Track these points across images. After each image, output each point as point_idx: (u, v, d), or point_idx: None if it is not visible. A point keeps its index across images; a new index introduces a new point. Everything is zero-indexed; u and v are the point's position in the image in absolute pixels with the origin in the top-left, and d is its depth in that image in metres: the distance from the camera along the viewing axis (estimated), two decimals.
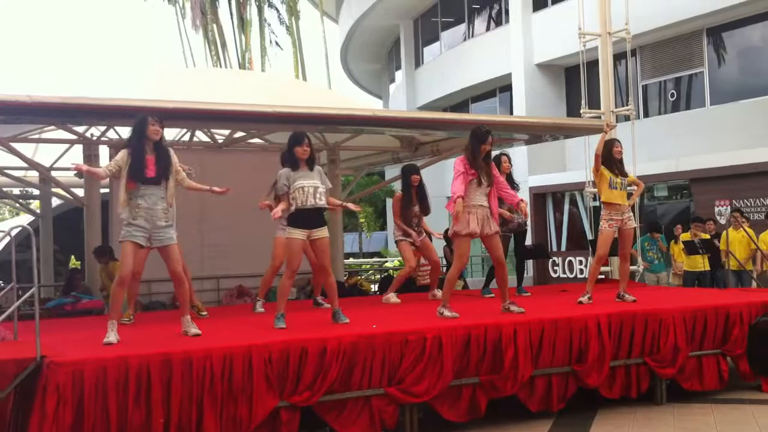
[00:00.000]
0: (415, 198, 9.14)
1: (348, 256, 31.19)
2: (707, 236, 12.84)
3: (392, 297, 9.19)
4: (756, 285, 10.97)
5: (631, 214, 8.52)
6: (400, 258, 18.68)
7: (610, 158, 8.40)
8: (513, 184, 9.12)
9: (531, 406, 6.83)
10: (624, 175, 8.44)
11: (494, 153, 9.45)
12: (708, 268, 12.73)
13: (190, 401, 5.48)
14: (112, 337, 6.03)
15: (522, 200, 7.89)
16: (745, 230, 11.94)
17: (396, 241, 9.39)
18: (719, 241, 12.55)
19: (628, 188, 8.50)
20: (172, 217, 6.54)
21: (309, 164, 7.02)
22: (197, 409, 5.49)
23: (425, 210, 9.27)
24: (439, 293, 9.06)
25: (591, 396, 7.18)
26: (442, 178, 23.13)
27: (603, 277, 12.44)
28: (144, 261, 7.35)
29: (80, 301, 10.67)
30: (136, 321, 7.81)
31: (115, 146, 11.62)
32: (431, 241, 9.53)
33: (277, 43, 35.38)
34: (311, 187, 6.93)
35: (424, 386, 6.30)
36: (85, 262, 12.53)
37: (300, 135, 7.05)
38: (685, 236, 13.18)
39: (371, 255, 35.67)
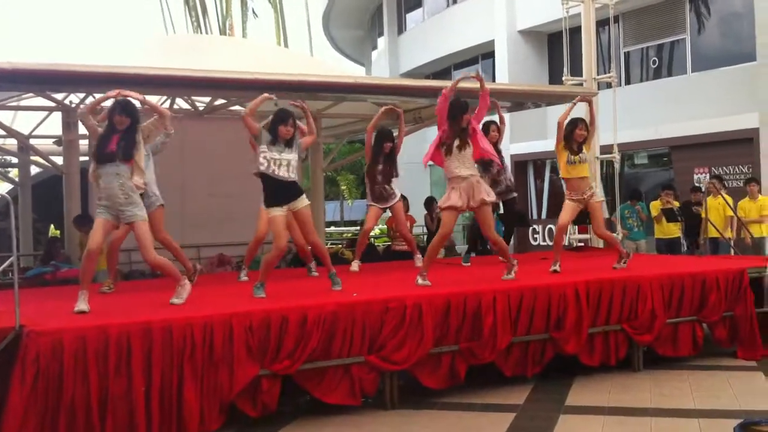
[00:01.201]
0: (380, 158, 9.08)
1: (329, 224, 31.18)
2: (677, 204, 12.94)
3: (354, 265, 9.14)
4: (733, 252, 11.07)
5: (594, 189, 8.49)
6: (381, 226, 18.72)
7: (570, 137, 8.34)
8: (500, 153, 9.13)
9: (506, 371, 6.90)
10: (581, 151, 8.36)
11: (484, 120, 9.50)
12: (680, 235, 12.88)
13: (171, 370, 5.49)
14: (83, 305, 6.03)
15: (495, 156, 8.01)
16: (723, 197, 12.03)
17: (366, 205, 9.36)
18: (702, 209, 12.61)
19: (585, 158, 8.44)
20: (137, 194, 6.55)
21: (288, 143, 6.99)
22: (178, 378, 5.51)
23: (391, 172, 9.13)
24: (420, 260, 9.10)
25: (569, 363, 7.25)
26: (423, 146, 23.09)
27: (582, 245, 12.54)
28: (125, 234, 7.36)
29: (60, 270, 10.62)
30: (116, 290, 7.80)
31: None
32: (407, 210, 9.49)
33: (254, 11, 34.96)
34: (284, 160, 6.91)
35: (404, 354, 6.35)
36: (65, 230, 12.47)
37: (286, 113, 7.00)
38: (656, 204, 13.26)
39: (353, 223, 35.64)
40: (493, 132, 9.21)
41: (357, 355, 6.23)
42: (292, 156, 6.98)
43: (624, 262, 8.20)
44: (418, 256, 9.23)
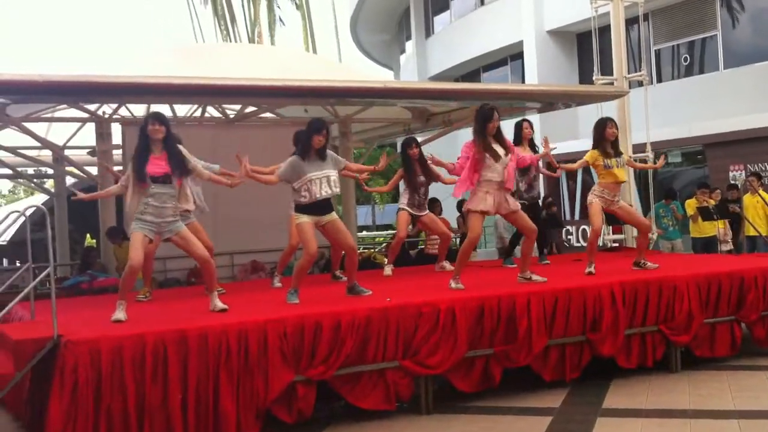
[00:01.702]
0: (418, 168, 9.07)
1: (361, 229, 31.21)
2: (713, 202, 12.78)
3: (387, 269, 9.15)
4: None
5: (620, 197, 8.39)
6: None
7: (601, 140, 8.19)
8: (534, 149, 9.12)
9: (545, 375, 6.85)
10: (618, 154, 8.22)
11: (516, 120, 9.49)
12: (716, 233, 12.73)
13: (207, 377, 5.52)
14: (120, 314, 6.07)
15: (535, 159, 8.29)
16: (760, 195, 11.86)
17: (398, 209, 9.30)
18: (741, 208, 12.43)
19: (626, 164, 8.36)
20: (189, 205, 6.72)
21: (320, 153, 6.94)
22: (214, 385, 5.54)
23: (431, 178, 9.10)
24: (447, 265, 9.08)
25: (606, 365, 7.19)
26: (455, 149, 23.04)
27: (617, 245, 12.43)
28: (157, 246, 7.40)
29: (96, 279, 10.74)
30: (152, 298, 7.87)
31: (127, 124, 11.65)
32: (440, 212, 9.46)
33: (280, 19, 35.07)
34: (323, 177, 6.88)
35: (439, 358, 6.33)
36: (101, 240, 12.60)
37: (321, 123, 6.99)
38: (691, 203, 13.09)
39: (384, 228, 35.66)
40: (526, 129, 9.18)
41: (391, 359, 6.22)
42: (330, 171, 6.94)
43: (593, 268, 7.98)
44: (442, 264, 9.20)
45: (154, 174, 6.36)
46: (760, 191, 12.11)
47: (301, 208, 6.94)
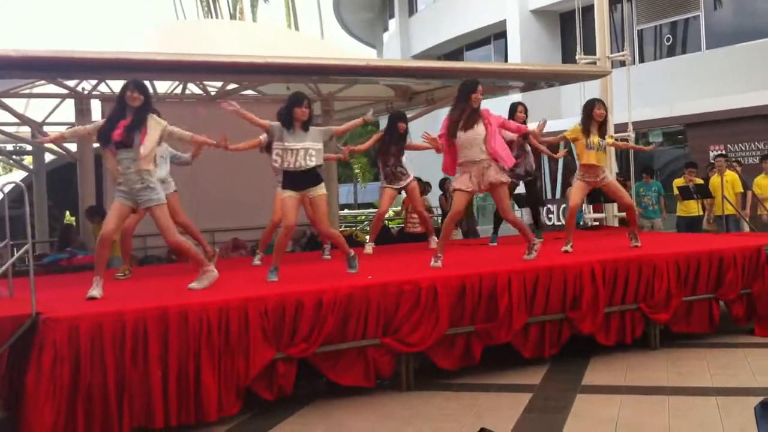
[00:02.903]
0: (394, 139, 9.05)
1: (343, 207, 31.19)
2: (701, 181, 12.83)
3: (368, 247, 9.16)
4: (749, 229, 10.99)
5: (606, 173, 8.34)
6: (395, 208, 18.70)
7: (588, 120, 8.14)
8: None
9: (525, 352, 6.88)
10: (602, 136, 8.17)
11: (511, 102, 9.49)
12: (701, 213, 12.79)
13: (188, 355, 5.49)
14: (95, 291, 6.01)
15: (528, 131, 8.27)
16: (737, 172, 11.93)
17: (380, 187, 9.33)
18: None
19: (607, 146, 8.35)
20: (155, 179, 6.40)
21: (304, 126, 6.94)
22: (195, 363, 5.52)
23: (401, 152, 9.11)
24: (434, 240, 9.10)
25: (585, 343, 7.23)
26: (436, 128, 23.03)
27: (597, 224, 12.49)
28: (138, 220, 7.35)
29: (76, 257, 10.66)
30: (132, 276, 7.83)
31: (106, 100, 11.54)
32: (425, 191, 9.50)
33: None
34: (301, 149, 6.87)
35: (420, 336, 6.34)
36: (80, 217, 12.52)
37: (301, 96, 6.99)
38: (679, 181, 13.16)
39: (367, 206, 35.66)
40: (519, 113, 9.21)
41: (372, 337, 6.23)
42: (310, 143, 6.93)
43: (570, 246, 8.00)
44: (433, 237, 9.23)
45: (116, 139, 6.22)
46: (727, 171, 12.17)
47: (285, 182, 6.97)
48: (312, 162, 6.94)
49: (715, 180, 12.26)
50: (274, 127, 6.96)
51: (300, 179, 6.92)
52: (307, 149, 6.89)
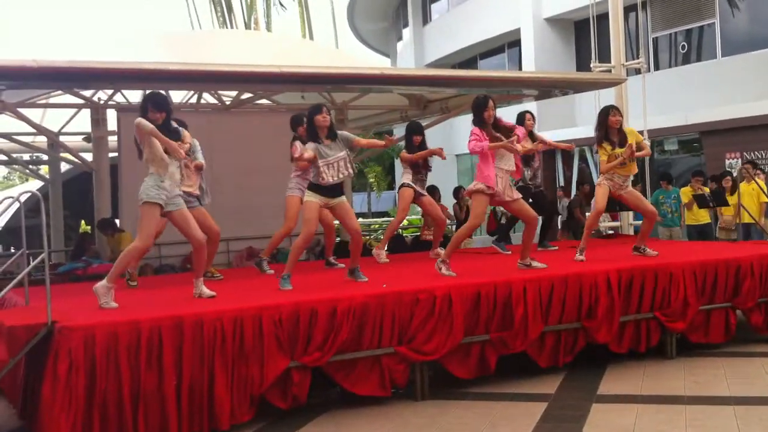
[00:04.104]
0: (415, 150, 9.03)
1: (357, 216, 31.11)
2: (707, 190, 12.74)
3: (381, 255, 9.11)
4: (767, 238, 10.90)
5: (630, 183, 8.26)
6: (411, 218, 18.67)
7: (606, 129, 8.04)
8: (534, 141, 9.12)
9: (541, 362, 6.85)
10: (623, 144, 7.99)
11: (519, 111, 9.49)
12: (709, 220, 12.72)
13: (202, 364, 5.50)
14: (110, 301, 6.04)
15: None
16: (756, 182, 11.85)
17: (400, 185, 9.24)
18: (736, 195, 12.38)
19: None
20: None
21: (331, 135, 7.00)
22: (209, 372, 5.52)
23: (427, 167, 9.10)
24: (441, 251, 9.04)
25: (599, 351, 7.19)
26: (451, 136, 23.05)
27: (613, 233, 12.43)
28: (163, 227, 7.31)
29: (91, 266, 10.70)
30: (147, 285, 7.83)
31: (122, 110, 11.60)
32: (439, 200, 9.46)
33: (280, 3, 34.96)
34: (340, 159, 6.95)
35: (434, 344, 6.32)
36: (95, 226, 12.57)
37: (317, 105, 7.12)
38: (686, 190, 13.06)
39: (381, 215, 35.65)
40: (528, 121, 9.20)
41: (387, 346, 6.21)
42: (342, 153, 6.99)
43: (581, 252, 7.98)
44: (437, 250, 9.15)
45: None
46: (757, 179, 12.09)
47: (314, 187, 6.99)
48: (349, 170, 7.04)
49: (743, 187, 12.15)
50: (311, 147, 6.97)
51: (330, 189, 6.98)
52: (345, 159, 7.00)
